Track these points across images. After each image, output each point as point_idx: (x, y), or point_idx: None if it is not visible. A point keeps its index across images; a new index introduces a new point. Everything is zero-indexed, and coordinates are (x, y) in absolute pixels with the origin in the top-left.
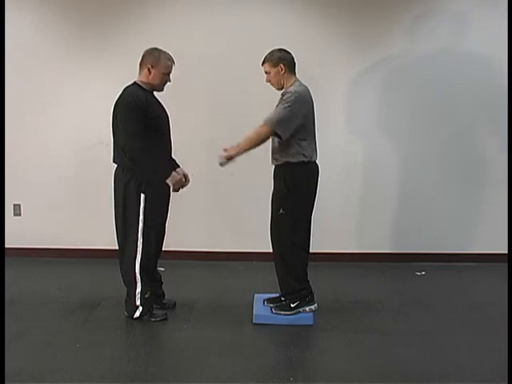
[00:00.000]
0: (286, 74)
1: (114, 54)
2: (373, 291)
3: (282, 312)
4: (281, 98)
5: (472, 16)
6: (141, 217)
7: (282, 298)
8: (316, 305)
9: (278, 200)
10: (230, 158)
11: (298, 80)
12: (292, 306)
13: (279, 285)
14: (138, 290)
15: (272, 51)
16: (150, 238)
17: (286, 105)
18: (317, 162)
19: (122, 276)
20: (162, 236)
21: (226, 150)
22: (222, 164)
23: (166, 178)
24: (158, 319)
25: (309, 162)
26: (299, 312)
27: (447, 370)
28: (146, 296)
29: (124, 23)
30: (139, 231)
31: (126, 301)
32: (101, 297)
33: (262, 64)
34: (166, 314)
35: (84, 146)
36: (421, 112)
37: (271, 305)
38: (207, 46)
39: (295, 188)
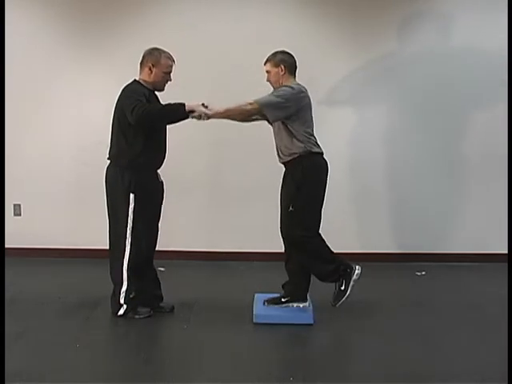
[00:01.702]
0: (285, 76)
1: (114, 54)
2: (373, 291)
3: (343, 299)
4: (275, 89)
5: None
6: (130, 216)
7: (283, 300)
8: (359, 268)
9: (288, 197)
10: (204, 117)
11: (297, 82)
12: (343, 288)
13: (294, 283)
14: (124, 288)
15: (276, 52)
16: (139, 238)
17: (279, 93)
18: (324, 156)
19: (110, 273)
20: (155, 235)
21: (205, 107)
22: (193, 117)
23: (188, 110)
24: (141, 316)
25: (315, 153)
26: (353, 286)
27: (447, 370)
28: (131, 296)
29: (124, 23)
30: (128, 231)
31: (111, 297)
32: (101, 297)
33: (265, 64)
34: (150, 310)
35: (84, 146)
36: (421, 111)
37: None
38: (209, 44)
39: (304, 182)
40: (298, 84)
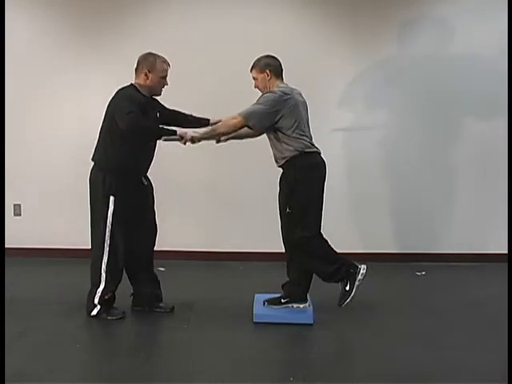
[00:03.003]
0: (272, 80)
1: (114, 54)
2: (373, 291)
3: (348, 299)
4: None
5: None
6: (109, 219)
7: (283, 300)
8: (364, 268)
9: (284, 199)
10: (194, 141)
11: (284, 83)
12: (347, 289)
13: (294, 284)
14: (100, 289)
15: (260, 58)
16: (118, 241)
17: (260, 100)
18: (321, 155)
19: (90, 273)
20: (148, 237)
21: (191, 138)
22: (185, 141)
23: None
24: (114, 318)
25: (308, 152)
26: (358, 286)
27: (447, 370)
28: (106, 297)
29: (124, 23)
30: (107, 233)
31: (87, 297)
32: None
33: (251, 70)
34: (123, 312)
35: (84, 145)
36: (422, 112)
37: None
38: (209, 44)
39: (297, 183)
40: (284, 86)
